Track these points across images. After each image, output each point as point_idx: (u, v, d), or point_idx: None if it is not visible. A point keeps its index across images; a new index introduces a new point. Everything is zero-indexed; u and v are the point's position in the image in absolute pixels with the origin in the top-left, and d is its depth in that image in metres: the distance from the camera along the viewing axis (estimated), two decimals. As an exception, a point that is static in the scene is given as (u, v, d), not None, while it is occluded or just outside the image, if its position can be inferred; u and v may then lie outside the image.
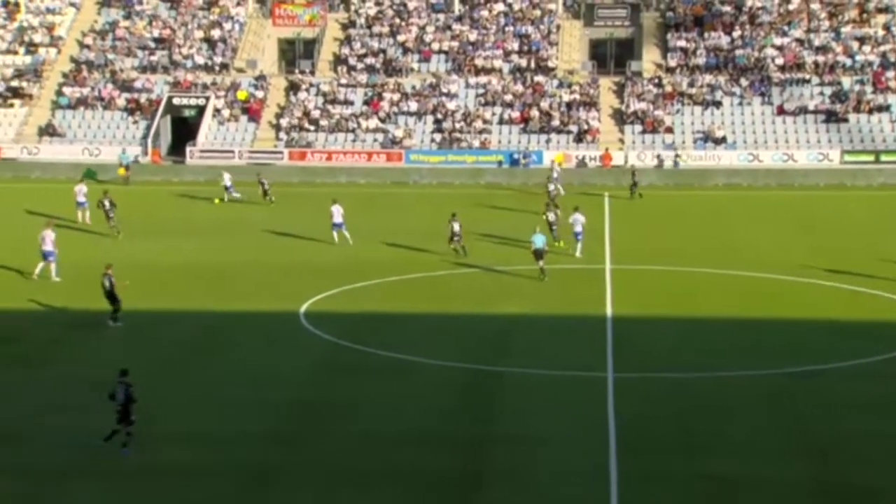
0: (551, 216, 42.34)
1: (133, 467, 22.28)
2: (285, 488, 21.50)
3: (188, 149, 63.27)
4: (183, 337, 31.45)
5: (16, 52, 68.76)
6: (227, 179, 52.41)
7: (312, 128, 64.48)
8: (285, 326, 32.57)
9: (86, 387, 26.24)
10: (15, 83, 66.17)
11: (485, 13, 71.60)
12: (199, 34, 70.67)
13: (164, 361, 29.02)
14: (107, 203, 44.46)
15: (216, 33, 70.69)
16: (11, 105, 65.09)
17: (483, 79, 67.20)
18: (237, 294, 35.99)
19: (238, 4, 72.85)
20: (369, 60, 68.87)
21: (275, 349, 30.54)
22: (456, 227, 40.43)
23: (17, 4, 71.61)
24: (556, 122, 64.41)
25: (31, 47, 69.04)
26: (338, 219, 42.55)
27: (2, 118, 64.27)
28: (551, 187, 51.71)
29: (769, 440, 24.08)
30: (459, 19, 71.50)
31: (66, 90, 66.05)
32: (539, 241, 37.31)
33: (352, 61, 68.90)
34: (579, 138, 63.57)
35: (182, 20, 71.72)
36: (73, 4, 72.51)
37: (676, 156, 61.39)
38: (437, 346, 30.48)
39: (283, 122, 64.87)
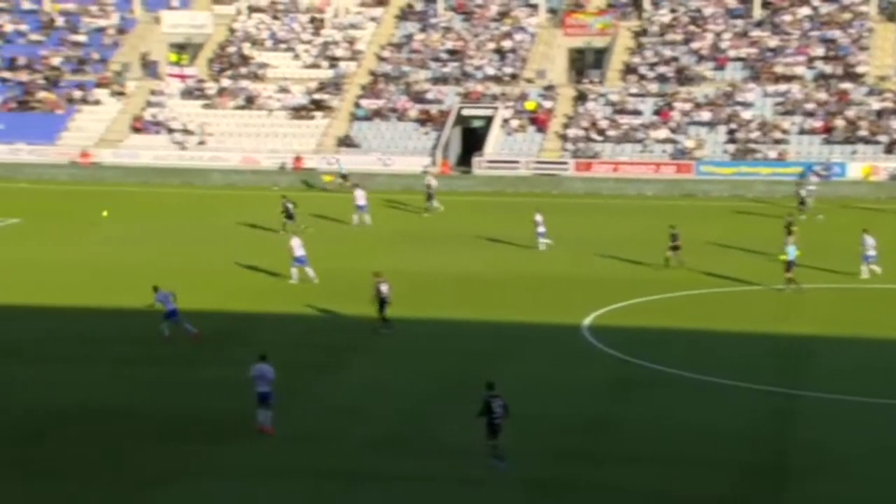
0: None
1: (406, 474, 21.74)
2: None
3: (475, 159, 63.39)
4: (463, 348, 30.90)
5: (319, 66, 71.30)
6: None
7: (600, 138, 63.07)
8: (567, 339, 31.45)
9: (377, 393, 26.40)
10: (317, 96, 68.58)
11: (787, 18, 67.96)
12: (491, 45, 70.91)
13: (445, 373, 28.53)
14: (289, 206, 46.63)
15: (507, 44, 70.72)
16: (313, 117, 67.45)
17: (783, 87, 63.65)
18: (516, 306, 35.16)
19: (530, 15, 72.59)
20: (661, 69, 66.78)
21: (558, 362, 29.49)
22: (677, 236, 39.55)
23: (321, 20, 74.36)
24: (863, 132, 59.97)
25: (333, 61, 71.45)
26: (541, 227, 43.45)
27: (304, 129, 66.65)
28: (803, 192, 49.51)
29: None
30: (759, 25, 68.22)
31: (364, 102, 67.84)
32: (792, 252, 36.22)
33: (642, 70, 67.04)
34: (889, 149, 58.88)
35: (474, 32, 72.24)
36: (373, 19, 74.57)
37: None
38: (725, 365, 28.48)
39: (570, 132, 63.87)
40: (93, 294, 36.11)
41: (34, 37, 73.61)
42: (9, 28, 74.08)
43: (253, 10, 75.65)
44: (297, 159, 64.12)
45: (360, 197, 49.93)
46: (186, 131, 66.19)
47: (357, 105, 67.89)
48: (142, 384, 27.50)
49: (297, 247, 37.87)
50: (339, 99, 68.48)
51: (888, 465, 22.51)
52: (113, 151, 64.59)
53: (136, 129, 66.69)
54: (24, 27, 74.22)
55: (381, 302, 31.63)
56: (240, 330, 32.69)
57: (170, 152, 64.75)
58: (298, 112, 67.63)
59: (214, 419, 25.11)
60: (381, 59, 71.45)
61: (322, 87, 69.33)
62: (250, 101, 68.45)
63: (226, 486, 21.69)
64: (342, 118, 67.33)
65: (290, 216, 46.38)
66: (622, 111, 64.53)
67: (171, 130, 66.27)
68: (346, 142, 65.68)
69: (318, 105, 68.06)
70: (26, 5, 76.10)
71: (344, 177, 59.36)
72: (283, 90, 69.03)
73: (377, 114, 67.10)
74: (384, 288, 31.65)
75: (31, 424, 24.72)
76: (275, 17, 75.24)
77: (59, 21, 74.83)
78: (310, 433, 24.37)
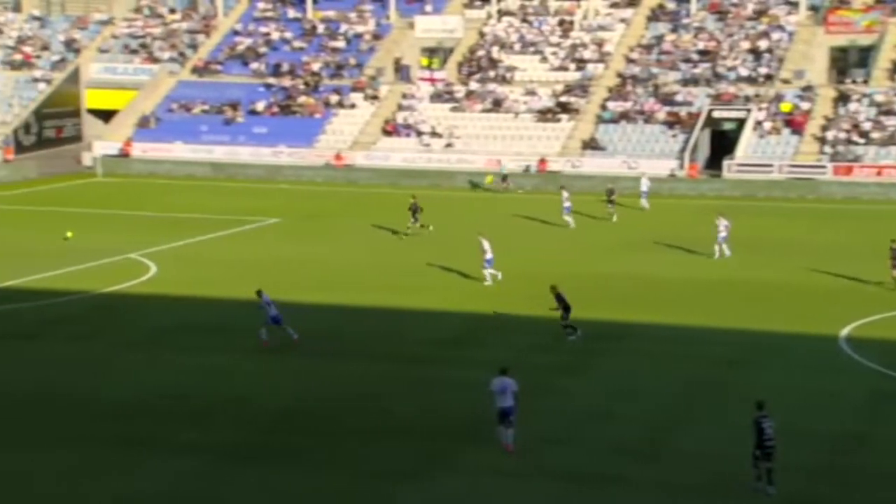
0: None
1: (671, 481, 21.19)
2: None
3: (725, 162, 61.51)
4: (709, 355, 29.96)
5: (566, 69, 71.15)
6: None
7: (862, 141, 59.89)
8: (823, 351, 29.95)
9: (623, 396, 26.16)
10: (563, 98, 68.43)
11: None
12: (746, 45, 68.71)
13: (692, 380, 27.77)
14: (416, 206, 46.75)
15: (763, 44, 68.34)
16: (559, 119, 67.35)
17: None
18: (765, 314, 33.78)
19: (789, 13, 69.94)
20: (930, 68, 62.76)
21: (811, 374, 28.12)
22: None
23: (571, 23, 74.18)
24: None
25: (581, 63, 71.11)
26: (723, 232, 41.77)
27: (550, 132, 66.65)
28: None
29: None
30: None
31: (610, 104, 67.15)
32: None
33: (910, 69, 63.22)
34: None
35: (728, 31, 70.21)
36: (623, 20, 73.76)
37: None
38: None
39: (829, 134, 60.96)
40: (345, 291, 37.23)
41: (297, 44, 76.97)
42: (275, 36, 77.76)
43: (503, 13, 76.33)
44: (542, 162, 64.18)
45: (566, 199, 49.51)
46: (435, 134, 67.49)
47: (603, 107, 67.28)
48: (388, 381, 28.06)
49: (488, 249, 37.63)
50: (586, 101, 68.06)
51: None
52: (365, 154, 66.68)
53: (387, 132, 68.55)
54: (288, 35, 77.74)
55: (565, 308, 31.05)
56: (477, 330, 32.88)
57: (418, 154, 66.20)
58: (544, 115, 67.69)
59: (456, 419, 25.31)
60: (630, 60, 70.54)
61: (568, 89, 69.14)
62: (497, 104, 69.06)
63: (468, 485, 21.77)
64: (588, 120, 66.90)
65: (415, 214, 46.76)
66: (888, 112, 61.07)
67: (419, 133, 67.75)
68: (591, 144, 65.20)
69: (564, 107, 67.90)
70: (291, 14, 79.65)
71: (504, 178, 60.81)
72: (530, 93, 69.27)
73: (624, 116, 66.27)
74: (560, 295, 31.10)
75: (281, 415, 25.63)
76: (524, 21, 75.63)
77: (321, 28, 77.93)
78: (556, 435, 24.19)
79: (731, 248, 41.81)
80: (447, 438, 24.11)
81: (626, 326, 32.45)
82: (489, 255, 37.60)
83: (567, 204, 49.38)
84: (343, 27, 77.65)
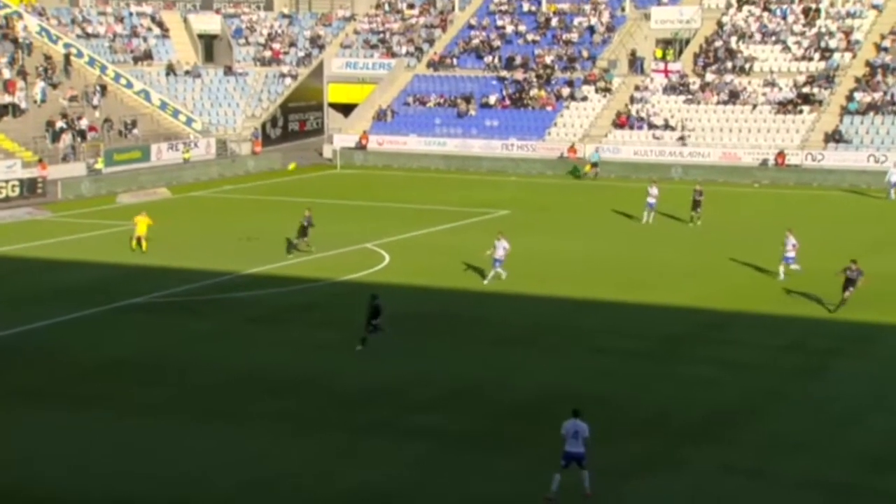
0: None
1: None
2: None
3: None
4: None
5: (810, 59, 68.25)
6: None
7: None
8: None
9: (871, 401, 25.02)
10: (806, 89, 65.65)
11: None
12: None
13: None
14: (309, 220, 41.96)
15: None
16: (800, 111, 64.68)
17: None
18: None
19: None
20: None
21: None
22: None
23: (817, 10, 71.10)
24: None
25: (826, 52, 68.03)
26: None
27: (790, 124, 64.11)
28: None
29: None
30: None
31: (857, 95, 63.90)
32: None
33: None
34: None
35: None
36: (874, 6, 70.09)
37: None
38: None
39: None
40: (577, 283, 36.95)
41: (531, 37, 77.07)
42: (509, 29, 78.15)
43: (743, 2, 73.93)
44: (781, 155, 61.79)
45: (652, 195, 47.49)
46: (668, 126, 66.12)
47: (850, 98, 64.10)
48: (620, 375, 27.63)
49: (791, 246, 36.40)
50: (830, 92, 65.05)
51: None
52: (595, 146, 66.06)
53: (619, 125, 67.66)
54: (522, 28, 77.96)
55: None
56: (712, 327, 31.95)
57: (649, 147, 65.03)
58: (784, 106, 65.15)
59: (690, 415, 24.63)
60: (881, 49, 66.89)
61: (812, 79, 66.26)
62: (734, 96, 66.97)
63: (694, 485, 21.11)
64: (832, 112, 63.93)
65: (305, 230, 42.31)
66: None
67: (651, 126, 66.52)
68: (834, 137, 62.27)
69: (806, 99, 65.11)
70: (526, 7, 79.85)
71: (594, 164, 60.88)
72: (770, 84, 66.80)
73: (872, 107, 62.93)
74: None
75: (512, 405, 25.64)
76: (766, 9, 73.00)
77: (554, 21, 77.76)
78: (795, 439, 23.17)
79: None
80: (678, 436, 23.49)
81: (875, 328, 30.77)
82: (791, 253, 36.60)
83: (652, 200, 47.33)
84: (577, 19, 77.17)
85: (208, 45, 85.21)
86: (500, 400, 25.91)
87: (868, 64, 66.24)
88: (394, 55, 79.07)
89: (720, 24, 73.00)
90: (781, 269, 36.72)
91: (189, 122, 71.49)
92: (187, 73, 79.44)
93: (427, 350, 29.90)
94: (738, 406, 25.28)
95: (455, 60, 76.72)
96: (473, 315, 33.44)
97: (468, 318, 33.17)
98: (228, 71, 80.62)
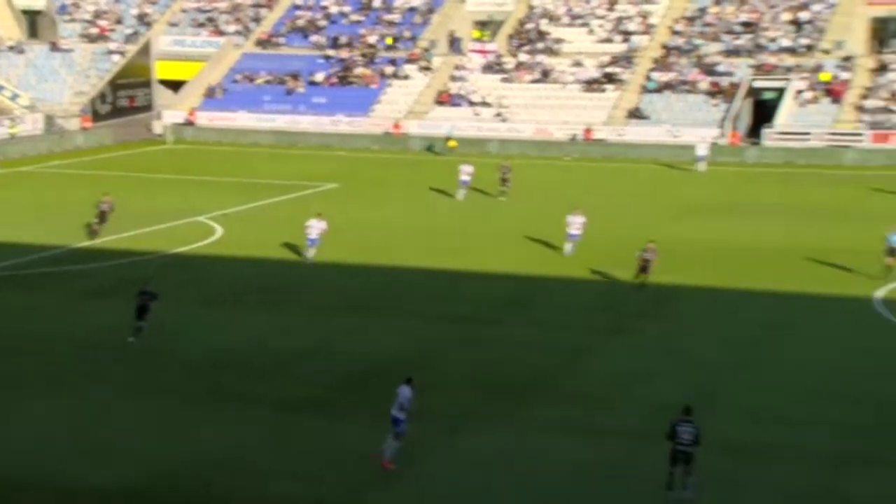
0: None
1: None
2: (866, 481, 19.27)
3: (764, 130, 60.64)
4: (755, 318, 29.73)
5: (612, 41, 70.34)
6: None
7: (899, 110, 58.74)
8: (859, 312, 29.56)
9: (667, 358, 26.06)
10: (609, 69, 67.71)
11: None
12: (787, 17, 67.46)
13: (737, 342, 27.56)
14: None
15: (804, 15, 67.08)
16: (604, 90, 66.71)
17: None
18: (807, 276, 33.38)
19: (832, -14, 68.52)
20: (968, 38, 61.23)
21: (846, 335, 27.81)
22: None
23: (616, -4, 73.28)
24: None
25: (626, 35, 70.25)
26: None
27: (596, 102, 66.04)
28: None
29: None
30: None
31: (654, 75, 66.34)
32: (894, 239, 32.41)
33: (947, 40, 61.73)
34: None
35: (770, 3, 68.98)
36: (667, -7, 72.70)
37: None
38: None
39: (868, 103, 59.79)
40: (402, 253, 37.28)
41: (355, 17, 76.74)
42: (334, 10, 77.58)
43: (551, -13, 75.52)
44: (588, 131, 63.67)
45: (465, 172, 47.70)
46: (485, 104, 67.13)
47: (648, 78, 66.48)
48: (443, 339, 28.11)
49: (579, 224, 36.64)
50: (631, 72, 67.29)
51: None
52: (418, 123, 66.47)
53: (440, 102, 68.28)
54: (346, 9, 77.51)
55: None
56: (532, 292, 32.84)
57: (469, 123, 65.90)
58: (590, 85, 67.06)
59: (509, 375, 25.33)
60: (674, 32, 69.56)
61: (614, 60, 68.36)
62: (545, 75, 68.50)
63: (516, 440, 21.78)
64: (633, 91, 66.17)
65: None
66: (925, 82, 59.80)
67: (471, 103, 67.40)
68: (635, 114, 64.52)
69: (610, 78, 67.19)
70: (348, -12, 79.42)
71: (448, 139, 61.58)
72: (577, 64, 68.60)
73: (667, 86, 65.47)
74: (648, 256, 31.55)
75: (355, 370, 25.78)
76: (571, -6, 74.77)
77: (377, 2, 77.59)
78: (603, 393, 24.15)
79: None
80: (499, 394, 24.14)
81: (676, 290, 32.21)
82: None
83: (466, 178, 47.42)
84: (398, 1, 77.25)
85: (32, 21, 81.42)
86: (334, 366, 26.04)
87: (664, 46, 68.79)
88: (222, 33, 77.44)
89: (531, 7, 74.41)
90: (568, 245, 36.60)
91: (14, 97, 68.35)
92: (11, 48, 75.80)
93: (262, 320, 29.72)
94: (551, 364, 26.12)
95: (282, 39, 75.73)
96: (306, 285, 33.40)
97: (301, 287, 33.11)
98: (54, 47, 77.30)
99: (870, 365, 25.76)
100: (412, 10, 76.40)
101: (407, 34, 74.31)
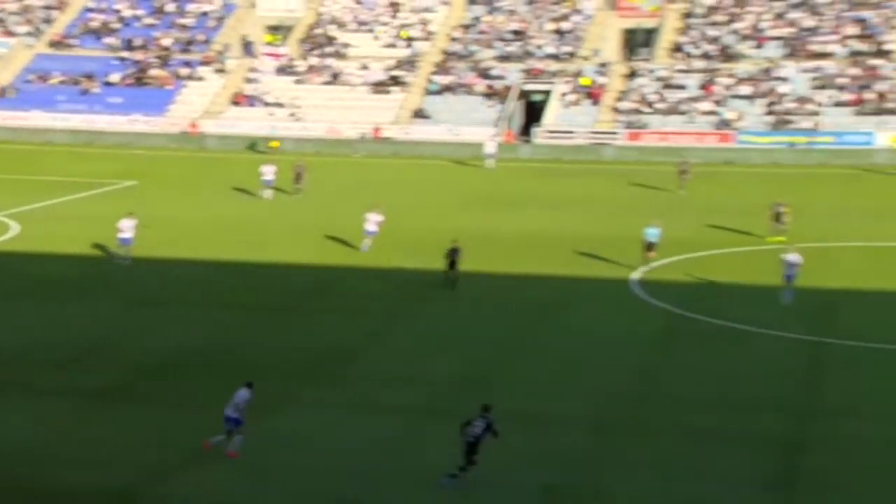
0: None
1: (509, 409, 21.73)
2: (628, 443, 20.35)
3: (534, 129, 62.78)
4: (527, 300, 30.78)
5: (396, 46, 70.93)
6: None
7: (649, 110, 62.02)
8: (618, 292, 31.13)
9: (449, 337, 26.16)
10: (394, 72, 68.27)
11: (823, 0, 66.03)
12: (551, 26, 69.94)
13: (511, 322, 28.46)
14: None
15: (565, 25, 69.72)
16: (390, 91, 67.22)
17: (817, 63, 61.95)
18: (574, 261, 34.83)
19: (586, -1, 71.51)
20: (705, 48, 65.38)
21: (609, 313, 29.27)
22: (782, 211, 36.90)
23: (400, 4, 73.83)
24: (891, 104, 58.33)
25: (409, 41, 70.95)
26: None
27: (383, 103, 66.43)
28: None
29: None
30: (796, 6, 66.40)
31: (436, 78, 67.39)
32: (652, 235, 33.59)
33: (688, 48, 65.69)
34: (915, 120, 57.27)
35: (536, 14, 71.29)
36: (445, 3, 73.91)
37: None
38: (766, 317, 27.87)
39: (622, 105, 62.88)
40: (200, 247, 36.43)
41: (148, 20, 74.11)
42: (127, 13, 74.65)
43: (337, -6, 75.40)
44: (376, 130, 64.04)
45: (269, 172, 46.91)
46: (279, 105, 66.35)
47: (430, 81, 67.46)
48: (247, 328, 27.72)
49: (375, 223, 36.27)
50: (414, 75, 68.09)
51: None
52: (215, 122, 64.98)
53: (236, 103, 66.98)
54: (140, 12, 74.74)
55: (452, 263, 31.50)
56: (330, 282, 32.83)
57: (264, 123, 64.98)
58: (377, 87, 67.42)
59: (309, 358, 25.27)
60: (452, 39, 70.84)
61: (399, 64, 68.98)
62: (335, 78, 68.37)
63: (313, 419, 21.79)
64: (416, 92, 66.98)
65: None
66: (669, 86, 63.37)
67: (266, 104, 66.47)
68: (419, 114, 65.38)
69: (395, 81, 67.76)
70: (140, -8, 76.63)
71: (269, 141, 60.84)
72: (364, 67, 68.82)
73: (448, 88, 66.64)
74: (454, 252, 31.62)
75: (149, 360, 25.04)
76: (357, 2, 74.87)
77: (170, 6, 75.20)
78: (391, 373, 24.43)
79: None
80: (298, 378, 24.06)
81: (462, 276, 32.84)
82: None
83: (269, 177, 46.64)
84: (191, 6, 75.14)
85: None
86: (135, 357, 25.22)
87: (443, 51, 69.96)
88: (12, 34, 73.09)
89: (320, 14, 74.03)
90: (366, 241, 36.29)
91: None
92: None
93: (62, 313, 28.42)
94: (347, 347, 26.23)
95: (76, 41, 72.24)
96: (109, 279, 32.16)
97: (104, 281, 31.84)
98: None
99: (629, 337, 27.12)
100: (205, 14, 74.51)
101: (201, 38, 72.41)
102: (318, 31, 72.65)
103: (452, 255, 31.43)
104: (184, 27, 73.45)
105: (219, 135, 63.93)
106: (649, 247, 33.91)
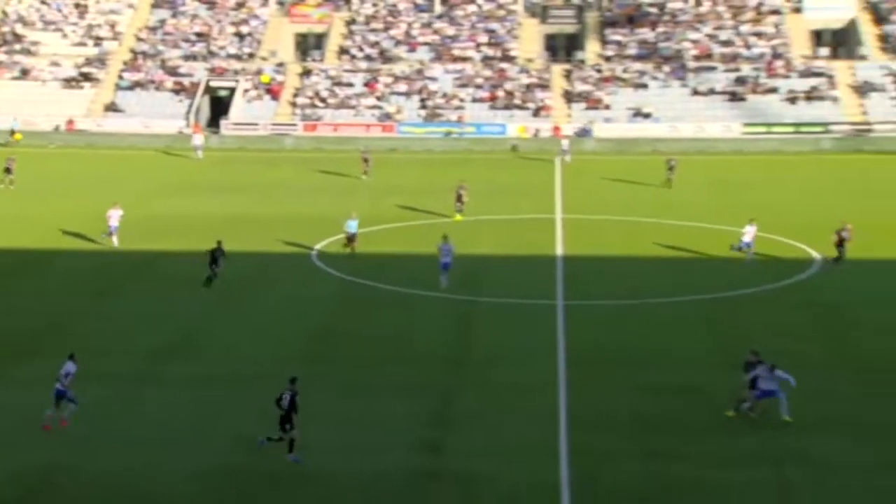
0: None
1: (189, 375, 21.68)
2: (309, 397, 21.12)
3: (222, 122, 61.89)
4: (228, 274, 30.58)
5: (85, 45, 66.78)
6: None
7: (322, 105, 63.09)
8: (303, 264, 31.93)
9: (154, 313, 25.72)
10: (85, 69, 64.33)
11: (460, 13, 70.15)
12: (231, 29, 68.92)
13: (219, 293, 28.36)
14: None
15: (244, 29, 68.98)
16: (82, 87, 63.34)
17: (459, 66, 65.86)
18: (269, 239, 35.11)
19: (262, 5, 71.01)
20: (368, 51, 67.39)
21: (297, 282, 29.99)
22: (463, 192, 38.64)
23: (86, 6, 69.42)
24: (517, 101, 63.30)
25: (98, 40, 67.08)
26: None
27: (75, 97, 62.49)
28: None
29: (698, 354, 23.62)
30: (440, 17, 69.95)
31: (126, 75, 64.34)
32: (352, 226, 32.84)
33: (353, 51, 67.39)
34: (536, 113, 62.54)
35: (217, 18, 69.88)
36: (130, 6, 70.45)
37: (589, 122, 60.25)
38: (427, 282, 29.75)
39: (299, 100, 63.48)
40: None
41: None
42: None
43: (23, -6, 69.61)
44: (70, 122, 60.22)
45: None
46: (-31, 100, 60.42)
47: (120, 77, 64.29)
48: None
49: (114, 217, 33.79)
50: (105, 72, 64.58)
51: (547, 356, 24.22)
52: (14, 117, 57.90)
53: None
54: None
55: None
56: (39, 262, 30.96)
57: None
58: (69, 83, 63.28)
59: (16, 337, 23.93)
60: (140, 39, 67.81)
61: (89, 62, 65.07)
62: (25, 73, 63.33)
63: (28, 394, 20.82)
64: (108, 88, 63.64)
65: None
66: (339, 84, 64.74)
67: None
68: (112, 108, 62.22)
69: (87, 77, 63.93)
70: None
71: (13, 133, 56.72)
72: (55, 64, 64.26)
73: (138, 85, 63.89)
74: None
75: None
76: (43, 2, 69.57)
77: None
78: (100, 345, 23.73)
79: None
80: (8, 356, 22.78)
81: (156, 256, 32.15)
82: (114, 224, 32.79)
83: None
84: None
85: None
86: None
87: (132, 50, 66.82)
88: None
89: (6, 13, 67.96)
90: (113, 239, 33.83)
91: None
92: None
93: None
94: (43, 326, 25.02)
95: None
96: None
97: None
98: None
99: (311, 304, 27.90)
100: None
101: None
102: (5, 28, 66.75)
103: (215, 254, 29.43)
104: None
105: None
106: (351, 238, 32.83)
